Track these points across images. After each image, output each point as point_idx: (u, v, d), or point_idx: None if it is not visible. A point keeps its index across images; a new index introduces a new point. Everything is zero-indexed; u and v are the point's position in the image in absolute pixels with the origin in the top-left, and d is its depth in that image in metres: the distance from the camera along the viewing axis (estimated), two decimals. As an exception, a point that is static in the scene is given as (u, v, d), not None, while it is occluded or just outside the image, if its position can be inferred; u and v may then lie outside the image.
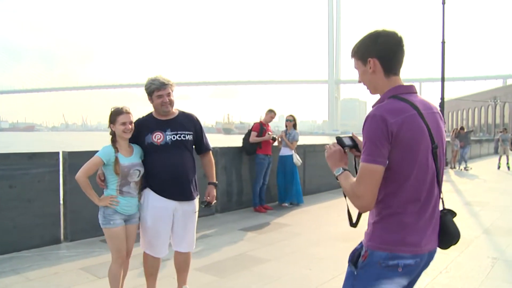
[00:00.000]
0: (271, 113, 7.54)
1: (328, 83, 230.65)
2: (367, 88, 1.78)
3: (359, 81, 1.78)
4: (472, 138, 20.40)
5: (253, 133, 7.21)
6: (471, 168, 15.78)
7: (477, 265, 4.34)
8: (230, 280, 3.96)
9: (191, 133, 3.26)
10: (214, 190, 3.46)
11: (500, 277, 4.09)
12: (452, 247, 1.79)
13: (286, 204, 7.74)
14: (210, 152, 3.51)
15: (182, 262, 3.38)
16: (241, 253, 4.81)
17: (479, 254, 4.70)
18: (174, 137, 3.16)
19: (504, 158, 16.07)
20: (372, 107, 1.67)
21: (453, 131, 16.58)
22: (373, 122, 1.58)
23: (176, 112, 3.28)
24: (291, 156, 7.65)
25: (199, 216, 3.44)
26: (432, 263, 1.80)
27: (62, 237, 5.06)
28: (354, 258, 1.73)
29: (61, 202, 5.10)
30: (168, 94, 3.15)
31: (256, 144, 7.22)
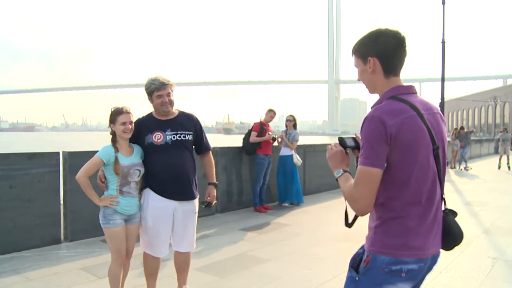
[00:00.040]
0: (270, 113, 7.54)
1: (328, 83, 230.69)
2: (366, 87, 1.75)
3: (359, 79, 1.76)
4: (472, 138, 20.39)
5: (253, 133, 7.21)
6: (471, 168, 15.78)
7: (477, 265, 4.34)
8: (230, 280, 3.96)
9: (191, 133, 3.26)
10: (214, 190, 3.46)
11: (500, 277, 4.09)
12: None
13: (286, 204, 7.74)
14: (210, 152, 3.52)
15: (182, 262, 3.38)
16: (241, 253, 4.82)
17: (479, 254, 4.69)
18: (174, 137, 3.16)
19: (504, 158, 16.07)
20: (371, 108, 1.64)
21: (453, 131, 16.58)
22: (371, 123, 1.55)
23: (176, 112, 3.29)
24: (291, 156, 7.65)
25: (199, 216, 3.45)
26: (432, 263, 1.80)
27: (62, 237, 5.07)
28: (356, 263, 1.68)
29: (61, 202, 5.10)
30: (168, 94, 3.15)
31: (256, 144, 7.22)
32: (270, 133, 7.33)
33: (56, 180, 5.03)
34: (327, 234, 5.66)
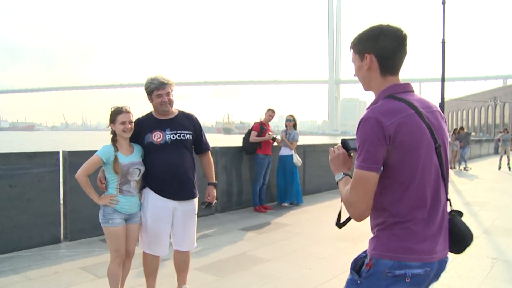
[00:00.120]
0: (269, 112, 7.54)
1: (328, 83, 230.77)
2: (361, 83, 1.69)
3: (355, 75, 1.70)
4: (472, 138, 20.40)
5: (253, 133, 7.21)
6: (470, 168, 15.79)
7: (477, 265, 4.34)
8: (230, 280, 3.96)
9: (191, 132, 3.26)
10: (214, 190, 3.46)
11: (500, 277, 4.09)
12: None
13: (286, 204, 7.74)
14: (209, 152, 3.52)
15: (182, 262, 3.38)
16: (241, 253, 4.82)
17: (478, 254, 4.69)
18: (173, 137, 3.16)
19: (505, 158, 16.06)
20: (367, 109, 1.58)
21: (453, 131, 16.58)
22: (367, 125, 1.48)
23: (176, 112, 3.29)
24: (291, 156, 7.65)
25: (199, 216, 3.45)
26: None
27: (62, 236, 5.06)
28: (357, 266, 1.62)
29: (61, 201, 5.10)
30: (168, 94, 3.16)
31: (256, 144, 7.22)
32: (270, 133, 7.33)
33: (56, 180, 5.02)
34: (327, 234, 5.66)
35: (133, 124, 3.09)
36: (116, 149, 3.02)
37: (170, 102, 3.18)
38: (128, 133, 3.04)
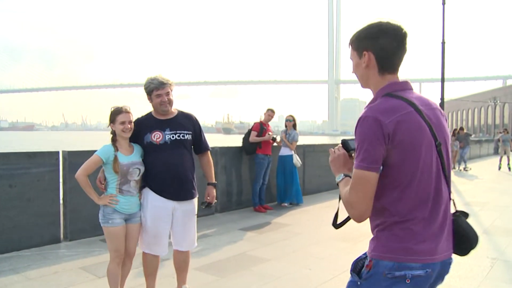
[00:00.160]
0: (268, 112, 7.54)
1: (328, 83, 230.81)
2: (358, 80, 1.66)
3: (352, 72, 1.67)
4: (471, 139, 20.40)
5: (253, 133, 7.21)
6: (470, 169, 15.79)
7: (477, 265, 4.34)
8: (230, 279, 3.96)
9: (190, 132, 3.26)
10: (214, 190, 3.46)
11: (499, 277, 4.09)
12: None
13: (286, 204, 7.74)
14: (209, 152, 3.52)
15: (181, 262, 3.38)
16: (241, 252, 4.82)
17: (478, 254, 4.69)
18: (173, 137, 3.16)
19: (505, 158, 16.06)
20: (365, 108, 1.54)
21: (453, 132, 16.58)
22: (365, 124, 1.46)
23: (175, 112, 3.29)
24: (290, 156, 7.65)
25: (198, 216, 3.45)
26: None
27: (61, 236, 5.06)
28: (357, 267, 1.59)
29: (61, 201, 5.09)
30: (167, 94, 3.16)
31: (256, 144, 7.22)
32: (270, 133, 7.33)
33: (56, 180, 5.02)
34: (327, 234, 5.66)
35: (132, 124, 3.09)
36: (116, 149, 3.02)
37: (170, 102, 3.18)
38: (127, 133, 3.04)
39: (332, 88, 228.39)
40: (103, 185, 3.07)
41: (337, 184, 1.65)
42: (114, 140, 3.05)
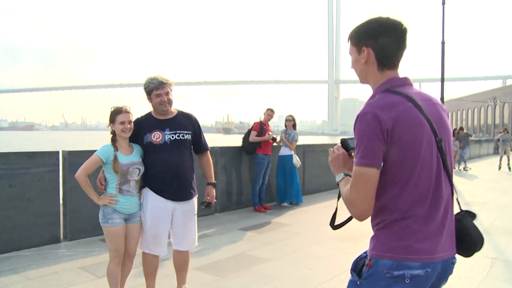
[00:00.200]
0: (268, 112, 7.54)
1: (328, 83, 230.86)
2: (357, 76, 1.64)
3: (351, 67, 1.65)
4: (471, 139, 20.41)
5: (253, 133, 7.21)
6: (470, 169, 15.80)
7: (476, 265, 4.34)
8: (230, 279, 3.96)
9: (190, 132, 3.26)
10: (214, 190, 3.46)
11: (499, 277, 4.09)
12: None
13: (286, 204, 7.74)
14: (208, 152, 3.52)
15: (181, 262, 3.38)
16: (241, 252, 4.82)
17: (478, 254, 4.64)
18: (173, 137, 3.16)
19: (505, 158, 16.06)
20: (364, 105, 1.52)
21: (452, 132, 16.56)
22: (363, 121, 1.44)
23: (175, 112, 3.29)
24: (290, 156, 7.65)
25: (198, 216, 3.45)
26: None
27: (61, 236, 5.06)
28: (358, 267, 1.57)
29: (61, 201, 5.09)
30: (167, 93, 3.15)
31: (256, 144, 7.22)
32: (270, 133, 7.33)
33: (56, 180, 5.02)
34: (327, 234, 5.65)
35: (132, 124, 3.08)
36: (116, 149, 3.02)
37: (169, 102, 3.18)
38: (127, 133, 3.04)
39: (332, 88, 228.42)
40: (103, 186, 3.07)
41: (337, 184, 1.63)
42: (114, 140, 3.05)
